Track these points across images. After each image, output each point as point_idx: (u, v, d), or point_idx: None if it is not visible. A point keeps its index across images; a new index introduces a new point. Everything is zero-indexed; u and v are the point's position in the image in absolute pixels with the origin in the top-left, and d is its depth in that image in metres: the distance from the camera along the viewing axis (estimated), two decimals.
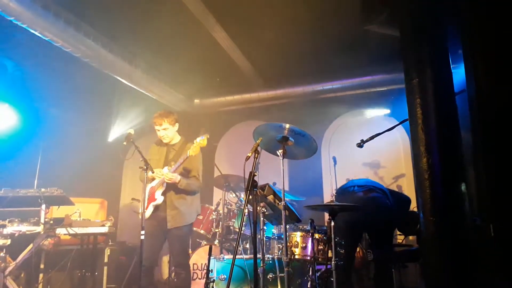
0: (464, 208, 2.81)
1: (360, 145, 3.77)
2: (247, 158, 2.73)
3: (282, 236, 3.19)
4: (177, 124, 4.05)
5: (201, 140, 3.66)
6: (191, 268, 4.67)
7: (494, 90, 2.74)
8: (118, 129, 7.03)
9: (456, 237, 2.70)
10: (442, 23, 3.27)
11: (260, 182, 5.41)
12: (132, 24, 4.90)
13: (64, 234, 4.25)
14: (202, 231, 5.15)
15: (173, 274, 4.98)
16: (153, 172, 3.70)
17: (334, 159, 6.35)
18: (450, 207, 2.76)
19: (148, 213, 3.77)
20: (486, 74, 2.79)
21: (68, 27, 4.28)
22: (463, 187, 2.85)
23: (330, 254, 3.23)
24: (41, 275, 4.83)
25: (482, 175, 2.66)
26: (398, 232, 4.75)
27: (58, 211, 4.68)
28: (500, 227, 2.11)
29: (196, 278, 4.73)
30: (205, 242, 5.18)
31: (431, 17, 3.21)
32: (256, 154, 2.80)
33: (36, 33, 4.14)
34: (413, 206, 5.30)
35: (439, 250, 2.73)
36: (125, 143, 3.71)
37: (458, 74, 3.24)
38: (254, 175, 2.72)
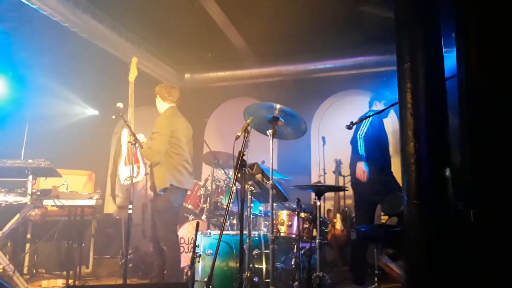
0: (448, 192, 2.86)
1: (349, 127, 3.78)
2: (237, 137, 2.74)
3: (269, 214, 3.24)
4: (158, 97, 4.27)
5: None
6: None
7: (485, 76, 2.75)
8: (107, 101, 6.95)
9: (439, 221, 2.77)
10: (437, 6, 3.25)
11: (250, 159, 5.41)
12: None
13: (51, 206, 4.25)
14: (189, 206, 5.19)
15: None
16: (142, 147, 3.71)
17: (323, 139, 6.38)
18: (434, 191, 2.81)
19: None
20: (477, 60, 2.79)
21: None
22: (448, 172, 2.90)
23: (314, 233, 3.30)
24: (27, 245, 4.87)
25: (467, 161, 2.70)
26: (382, 213, 4.86)
27: (45, 182, 4.67)
28: (481, 213, 2.18)
29: (183, 251, 4.80)
30: (192, 217, 5.23)
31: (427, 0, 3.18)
32: (246, 134, 2.81)
33: (23, 1, 4.02)
34: (397, 188, 5.39)
35: (420, 233, 2.80)
36: (113, 116, 3.68)
37: (451, 58, 3.24)
38: (243, 155, 2.73)
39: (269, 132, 3.16)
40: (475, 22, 2.83)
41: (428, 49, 3.09)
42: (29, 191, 4.07)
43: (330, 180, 6.11)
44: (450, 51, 3.46)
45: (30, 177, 4.09)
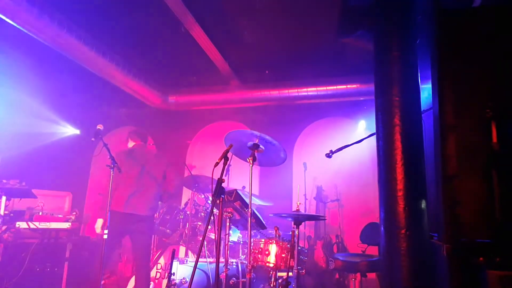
0: (423, 224, 2.90)
1: (328, 155, 3.83)
2: (216, 164, 2.73)
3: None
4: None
5: None
6: (155, 267, 4.64)
7: (458, 113, 2.81)
8: (90, 121, 6.90)
9: (414, 252, 2.80)
10: (415, 41, 3.36)
11: (232, 185, 5.38)
12: (108, 17, 4.80)
13: (24, 228, 4.14)
14: (168, 231, 5.10)
15: None
16: (120, 171, 3.68)
17: (305, 165, 6.43)
18: (409, 223, 2.85)
19: None
20: (451, 96, 2.87)
21: (42, 15, 4.13)
22: (423, 204, 2.94)
23: (292, 262, 3.27)
24: None
25: (440, 194, 2.74)
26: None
27: (20, 203, 4.55)
28: (452, 248, 2.20)
29: (160, 277, 4.69)
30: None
31: (405, 37, 3.29)
32: (225, 161, 2.80)
33: (5, 19, 3.98)
34: (377, 217, 5.43)
35: (396, 264, 2.81)
36: (93, 139, 3.64)
37: (429, 90, 3.32)
38: (222, 182, 2.72)
39: (249, 159, 3.16)
40: (450, 61, 2.92)
41: (405, 83, 3.18)
42: (1, 212, 3.97)
43: (311, 206, 6.13)
44: (429, 82, 3.56)
45: (4, 198, 3.99)
